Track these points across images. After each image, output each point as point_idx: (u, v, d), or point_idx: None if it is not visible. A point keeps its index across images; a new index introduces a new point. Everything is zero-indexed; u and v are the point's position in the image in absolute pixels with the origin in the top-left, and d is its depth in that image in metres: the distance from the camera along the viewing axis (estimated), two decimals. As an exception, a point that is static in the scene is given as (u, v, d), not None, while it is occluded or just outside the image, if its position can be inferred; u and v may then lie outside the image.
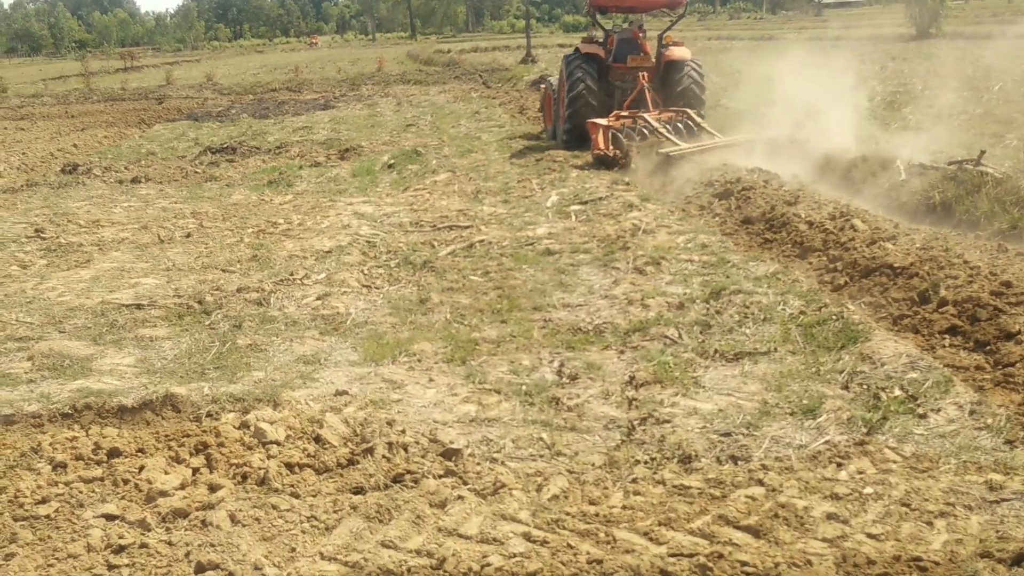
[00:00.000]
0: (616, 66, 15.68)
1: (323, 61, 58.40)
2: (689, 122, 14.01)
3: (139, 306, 7.62)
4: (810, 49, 23.46)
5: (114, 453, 4.65)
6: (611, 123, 13.97)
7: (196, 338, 6.84)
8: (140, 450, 4.71)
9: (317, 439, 4.81)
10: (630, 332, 6.54)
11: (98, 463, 4.60)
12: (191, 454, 4.65)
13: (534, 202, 11.32)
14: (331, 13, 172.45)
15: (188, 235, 10.29)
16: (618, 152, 13.32)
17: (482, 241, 9.41)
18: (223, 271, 8.71)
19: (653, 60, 15.75)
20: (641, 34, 16.25)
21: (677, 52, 15.61)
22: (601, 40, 16.45)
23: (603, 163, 13.37)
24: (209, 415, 5.25)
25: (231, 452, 4.64)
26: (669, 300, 7.14)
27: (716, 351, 6.08)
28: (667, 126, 13.72)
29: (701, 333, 6.45)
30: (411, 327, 6.95)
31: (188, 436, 4.81)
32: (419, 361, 6.22)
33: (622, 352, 6.23)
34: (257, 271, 8.64)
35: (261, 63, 62.19)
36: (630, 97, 15.08)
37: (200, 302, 7.63)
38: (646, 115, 13.98)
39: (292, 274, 8.39)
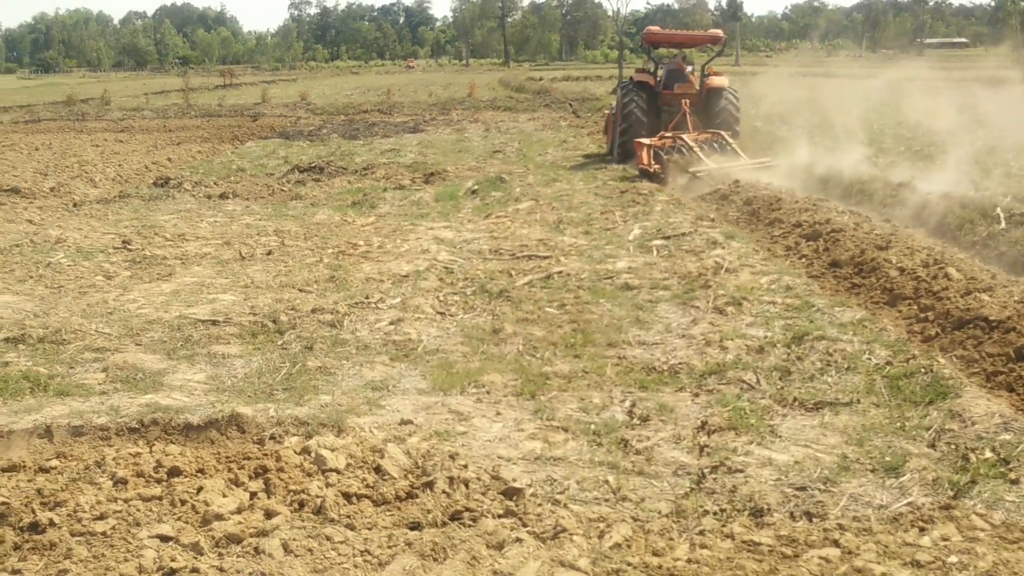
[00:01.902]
0: (664, 93, 18.04)
1: (416, 84, 59.11)
2: (722, 142, 15.93)
3: (215, 322, 7.67)
4: (909, 90, 23.00)
5: (174, 472, 4.62)
6: (653, 142, 16.09)
7: (267, 358, 6.84)
8: (200, 470, 4.67)
9: (377, 469, 4.71)
10: (706, 374, 6.34)
11: (158, 481, 4.58)
12: (250, 477, 4.59)
13: (616, 234, 11.17)
14: (427, 37, 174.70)
15: (269, 253, 10.37)
16: (658, 167, 15.39)
17: (560, 272, 9.28)
18: (300, 291, 8.73)
19: (696, 88, 18.06)
20: (687, 66, 18.79)
21: (716, 81, 17.99)
22: (652, 70, 18.88)
23: (646, 176, 15.51)
24: (272, 438, 5.20)
25: (290, 478, 4.58)
26: (749, 343, 6.91)
27: (795, 399, 5.85)
28: (702, 146, 15.68)
29: (780, 379, 6.22)
30: (482, 357, 6.85)
31: (249, 459, 4.77)
32: (488, 393, 6.11)
33: (696, 395, 6.04)
34: (333, 292, 8.64)
35: (355, 84, 63.21)
36: (674, 120, 17.19)
37: (274, 321, 7.64)
38: (685, 136, 16.01)
39: (367, 297, 8.37)
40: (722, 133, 16.23)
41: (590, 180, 15.69)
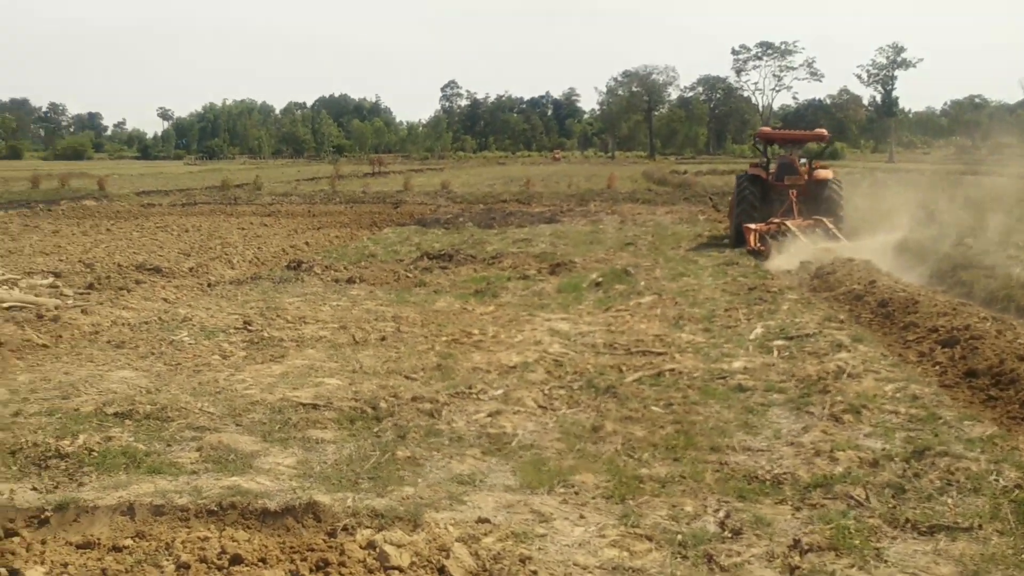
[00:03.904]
0: (775, 184, 20.17)
1: (558, 175, 59.83)
2: (824, 228, 18.10)
3: (315, 406, 7.68)
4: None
5: (236, 560, 4.54)
6: (759, 227, 18.54)
7: (360, 445, 6.77)
8: (262, 559, 4.58)
9: (441, 570, 4.52)
10: (811, 487, 5.93)
11: (219, 568, 4.51)
12: (310, 571, 4.47)
13: (737, 333, 10.78)
14: (574, 129, 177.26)
15: (383, 338, 10.43)
16: (762, 247, 17.95)
17: (672, 370, 8.97)
18: (406, 378, 8.70)
19: (804, 179, 20.05)
20: (797, 160, 20.76)
21: (822, 173, 20.10)
22: (764, 164, 21.12)
23: (752, 254, 17.80)
24: (345, 529, 5.08)
25: (350, 573, 4.43)
26: (862, 455, 6.44)
27: (907, 520, 5.37)
28: (804, 230, 17.99)
29: (893, 497, 5.74)
30: (577, 455, 6.61)
31: (312, 550, 4.66)
32: (576, 494, 5.86)
33: (798, 509, 5.63)
34: (438, 381, 8.57)
35: (499, 174, 64.41)
36: (782, 208, 19.44)
37: (374, 408, 7.61)
38: (788, 221, 18.40)
39: (470, 387, 8.26)
40: (824, 220, 18.42)
41: (719, 275, 15.33)
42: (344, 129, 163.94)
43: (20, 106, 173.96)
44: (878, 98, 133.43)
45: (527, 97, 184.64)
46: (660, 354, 9.69)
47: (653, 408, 7.76)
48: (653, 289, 13.80)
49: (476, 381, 8.51)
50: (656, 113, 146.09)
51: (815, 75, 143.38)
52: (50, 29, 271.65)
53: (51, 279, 14.00)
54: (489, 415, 7.50)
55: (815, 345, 9.97)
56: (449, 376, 8.75)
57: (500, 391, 8.20)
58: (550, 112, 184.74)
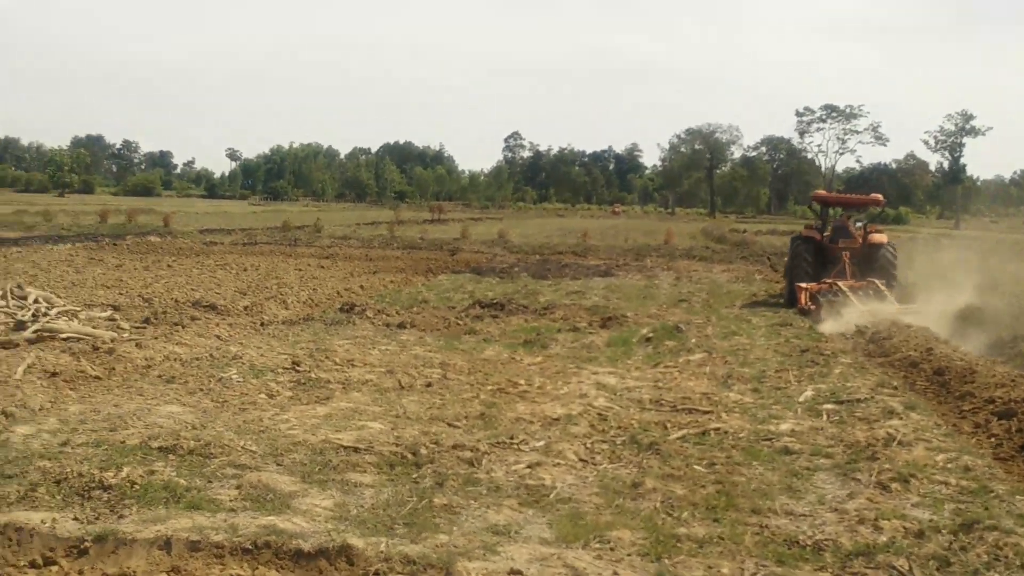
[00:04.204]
0: (830, 246, 20.56)
1: (616, 229, 59.86)
2: (876, 290, 18.43)
3: (356, 449, 7.70)
4: None
5: (264, 600, 4.54)
6: (811, 287, 18.87)
7: (398, 490, 6.77)
8: (290, 601, 4.57)
9: (468, 621, 4.48)
10: (853, 555, 5.79)
11: (248, 607, 4.50)
12: (338, 614, 4.45)
13: (786, 394, 10.63)
14: (635, 184, 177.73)
15: (429, 385, 10.45)
16: (813, 306, 18.24)
17: (718, 429, 8.86)
18: (448, 425, 8.70)
19: (859, 243, 20.37)
20: (852, 224, 21.08)
21: (877, 237, 20.49)
22: (819, 227, 21.59)
23: (802, 313, 18.15)
24: (377, 574, 5.08)
25: (377, 620, 4.41)
26: (908, 525, 6.28)
27: (951, 595, 5.22)
28: (856, 292, 18.26)
29: (938, 570, 5.59)
30: (615, 511, 6.54)
31: (340, 595, 4.64)
32: (611, 550, 5.78)
33: (838, 577, 5.50)
34: (480, 430, 8.56)
35: (557, 226, 64.63)
36: (835, 270, 19.75)
37: (414, 454, 7.61)
38: (840, 282, 18.78)
39: (512, 437, 8.23)
40: (876, 282, 18.76)
41: (772, 336, 15.17)
42: (407, 175, 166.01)
43: (95, 142, 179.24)
44: (945, 165, 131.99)
45: (589, 151, 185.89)
46: (706, 412, 9.58)
47: (696, 467, 7.66)
48: (704, 347, 13.68)
49: (518, 431, 8.49)
50: (718, 171, 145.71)
51: (880, 139, 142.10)
52: (127, 69, 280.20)
53: (109, 312, 14.27)
54: (529, 466, 7.46)
55: (866, 411, 9.78)
56: (492, 425, 8.73)
57: (542, 442, 8.17)
58: (611, 166, 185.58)
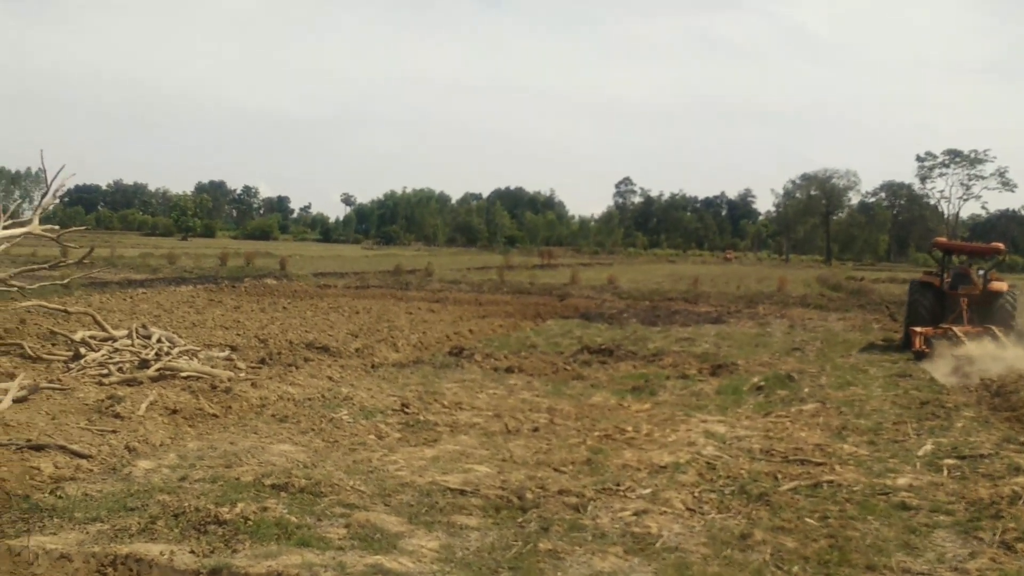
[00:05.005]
0: (949, 292, 20.78)
1: (728, 276, 59.10)
2: (993, 337, 18.24)
3: (463, 492, 7.75)
4: None
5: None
6: (926, 331, 19.05)
7: (503, 534, 6.78)
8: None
9: (570, 670, 4.43)
10: (975, 618, 5.54)
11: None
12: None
13: (904, 448, 10.27)
14: (748, 230, 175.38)
15: (536, 429, 10.47)
16: (927, 349, 18.32)
17: (831, 482, 8.62)
18: (555, 470, 8.69)
19: (979, 290, 20.48)
20: (973, 271, 21.27)
21: (997, 285, 20.62)
22: (939, 273, 21.78)
23: (916, 357, 18.22)
24: (480, 618, 5.07)
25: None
26: (1034, 588, 6.00)
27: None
28: (972, 336, 18.31)
29: (1067, 637, 5.31)
30: (723, 562, 6.41)
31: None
32: (718, 603, 5.66)
33: (958, 641, 5.27)
34: (587, 475, 8.51)
35: (667, 272, 64.17)
36: (952, 316, 19.81)
37: (520, 498, 7.61)
38: (956, 328, 18.85)
39: (618, 484, 8.16)
40: (993, 328, 18.79)
41: (890, 387, 14.70)
42: (517, 221, 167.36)
43: (217, 188, 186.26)
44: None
45: (701, 196, 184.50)
46: (819, 464, 9.34)
47: (807, 520, 7.46)
48: (817, 397, 13.35)
49: (625, 478, 8.41)
50: (835, 217, 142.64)
51: (1007, 185, 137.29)
52: (249, 119, 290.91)
53: (227, 352, 14.71)
54: (635, 514, 7.39)
55: (990, 467, 9.38)
56: (598, 471, 8.68)
57: (648, 490, 8.07)
58: (724, 212, 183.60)
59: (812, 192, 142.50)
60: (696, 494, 8.09)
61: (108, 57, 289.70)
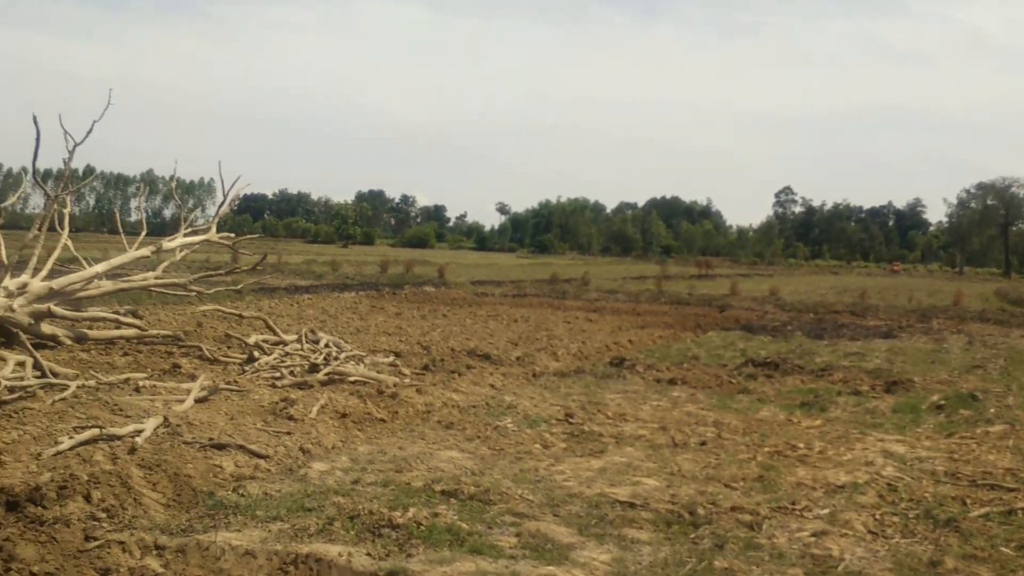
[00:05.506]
0: None
1: (896, 289, 56.77)
2: None
3: (632, 505, 7.60)
4: None
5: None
6: None
7: (676, 549, 6.59)
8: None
9: None
10: None
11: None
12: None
13: (1106, 475, 9.52)
14: (917, 242, 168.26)
15: (703, 443, 10.21)
16: None
17: (1026, 509, 8.05)
18: (725, 486, 8.43)
19: None
20: None
21: None
22: None
23: None
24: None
25: None
26: None
27: None
28: None
29: None
30: (911, 591, 6.04)
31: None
32: (910, 634, 5.33)
33: None
34: (759, 493, 8.22)
35: (832, 284, 62.16)
36: None
37: (691, 513, 7.41)
38: None
39: (794, 503, 7.84)
40: None
41: (1084, 409, 13.70)
42: (673, 230, 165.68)
43: (376, 197, 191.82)
44: None
45: (867, 206, 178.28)
46: (1012, 490, 8.73)
47: (1003, 549, 6.97)
48: (1005, 418, 12.54)
49: (800, 497, 8.08)
50: (1014, 228, 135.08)
51: None
52: (406, 129, 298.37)
53: (392, 358, 14.98)
54: (814, 534, 7.07)
55: None
56: (771, 489, 8.37)
57: (826, 510, 7.72)
58: (891, 222, 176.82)
59: (989, 202, 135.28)
60: (878, 516, 7.69)
61: (278, 74, 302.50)
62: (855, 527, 7.34)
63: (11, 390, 9.69)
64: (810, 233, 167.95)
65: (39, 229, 15.10)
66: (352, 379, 12.48)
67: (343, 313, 23.68)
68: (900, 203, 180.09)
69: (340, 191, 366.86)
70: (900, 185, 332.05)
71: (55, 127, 14.51)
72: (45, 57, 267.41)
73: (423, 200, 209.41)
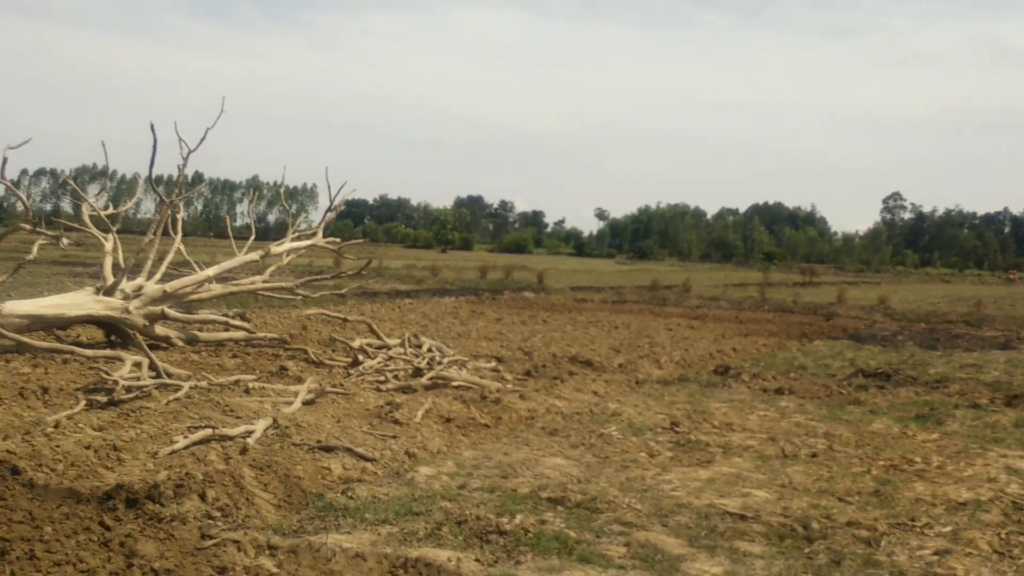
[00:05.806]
0: None
1: (1014, 298, 54.61)
2: None
3: (743, 517, 7.42)
4: None
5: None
6: None
7: (790, 564, 6.39)
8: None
9: None
10: None
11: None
12: None
13: None
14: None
15: (814, 455, 9.93)
16: None
17: None
18: (839, 500, 8.16)
19: None
20: None
21: None
22: None
23: None
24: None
25: None
26: None
27: None
28: None
29: None
30: (1044, 616, 5.74)
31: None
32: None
33: None
34: (875, 508, 7.94)
35: (943, 293, 60.20)
36: None
37: (805, 527, 7.19)
38: None
39: (913, 520, 7.54)
40: None
41: None
42: (775, 237, 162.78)
43: (475, 202, 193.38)
44: None
45: (981, 212, 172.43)
46: None
47: None
48: None
49: (919, 513, 7.77)
50: None
51: None
52: (506, 136, 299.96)
53: (494, 363, 14.98)
54: (936, 553, 6.78)
55: None
56: (888, 504, 8.08)
57: (948, 528, 7.41)
58: (1007, 229, 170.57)
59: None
60: (1003, 536, 7.34)
61: (377, 81, 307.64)
62: (979, 546, 7.02)
63: (128, 389, 9.99)
64: (920, 240, 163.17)
65: (153, 233, 15.56)
66: (455, 384, 12.50)
67: (444, 318, 23.82)
68: (1017, 209, 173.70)
69: (439, 196, 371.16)
70: (1017, 190, 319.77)
71: (169, 134, 14.95)
72: (155, 67, 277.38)
73: (521, 205, 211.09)
